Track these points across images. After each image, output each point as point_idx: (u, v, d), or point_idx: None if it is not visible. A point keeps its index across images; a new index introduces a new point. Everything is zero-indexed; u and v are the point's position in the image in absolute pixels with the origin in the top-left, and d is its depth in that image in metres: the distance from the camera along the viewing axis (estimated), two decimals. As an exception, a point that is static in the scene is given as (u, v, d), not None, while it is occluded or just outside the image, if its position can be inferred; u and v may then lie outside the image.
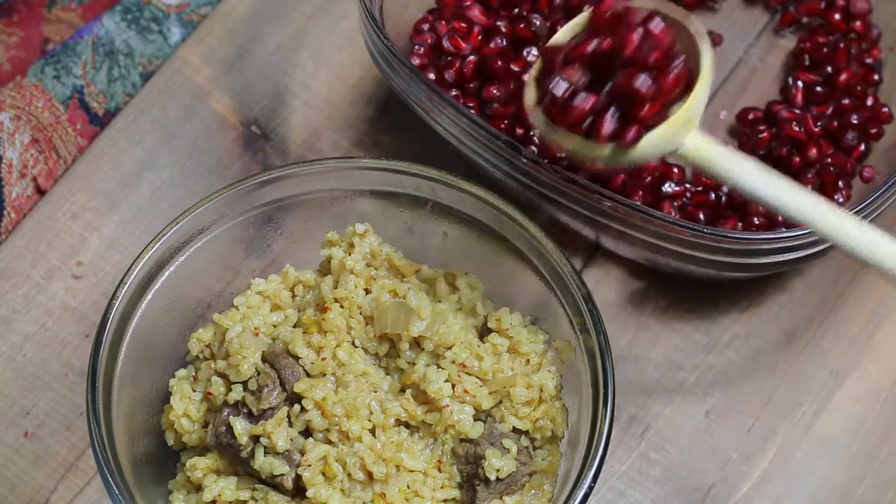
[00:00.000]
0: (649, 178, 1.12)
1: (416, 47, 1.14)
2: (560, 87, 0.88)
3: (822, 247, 1.02)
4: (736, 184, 0.87)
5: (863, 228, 0.83)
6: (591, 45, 0.87)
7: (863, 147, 1.13)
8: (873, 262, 0.83)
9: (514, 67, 1.13)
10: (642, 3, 0.89)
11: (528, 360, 0.96)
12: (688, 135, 0.87)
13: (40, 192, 1.17)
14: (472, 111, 1.09)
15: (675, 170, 1.13)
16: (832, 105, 1.14)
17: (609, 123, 0.86)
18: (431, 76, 1.13)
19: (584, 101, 0.87)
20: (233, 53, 1.22)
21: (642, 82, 0.85)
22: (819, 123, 1.11)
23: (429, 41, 1.15)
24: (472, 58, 1.13)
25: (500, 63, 1.12)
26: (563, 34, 0.92)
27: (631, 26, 0.86)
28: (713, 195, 1.11)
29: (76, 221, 1.15)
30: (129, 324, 0.96)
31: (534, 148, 1.10)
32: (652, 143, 0.87)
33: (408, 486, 0.93)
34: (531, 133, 1.11)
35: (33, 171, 1.16)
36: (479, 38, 1.14)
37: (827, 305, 1.13)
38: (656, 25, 0.87)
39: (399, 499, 0.92)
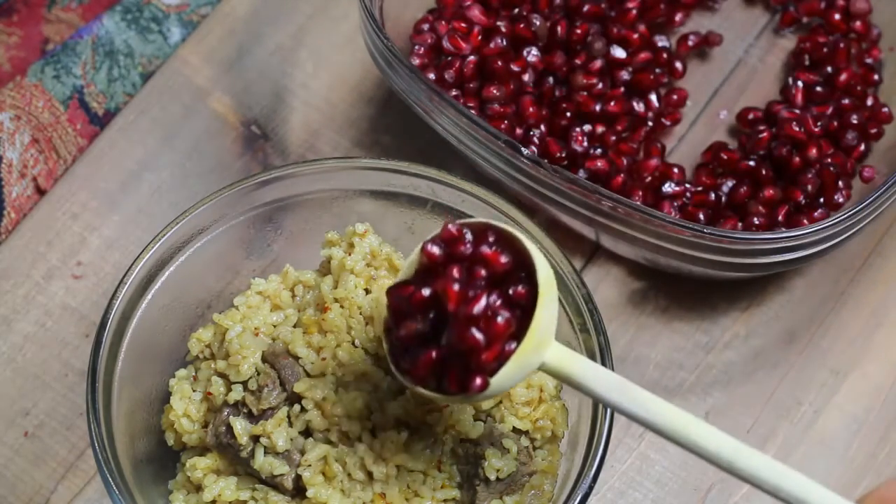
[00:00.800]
0: (649, 178, 1.13)
1: (416, 47, 1.14)
2: (402, 343, 0.82)
3: (822, 247, 1.02)
4: (600, 397, 0.82)
5: (729, 442, 0.79)
6: (425, 293, 0.81)
7: (863, 147, 1.13)
8: (738, 473, 0.80)
9: (514, 67, 1.13)
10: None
11: (528, 360, 0.96)
12: (545, 353, 0.82)
13: (40, 192, 1.17)
14: (472, 111, 1.09)
15: (676, 170, 1.13)
16: (832, 105, 1.14)
17: (455, 375, 0.80)
18: (431, 76, 1.13)
19: (425, 357, 0.81)
20: (233, 53, 1.22)
21: (472, 333, 0.79)
22: (819, 123, 1.11)
23: (429, 41, 1.14)
24: (472, 58, 1.13)
25: (500, 63, 1.12)
26: (408, 268, 0.86)
27: (450, 276, 0.80)
28: (713, 195, 1.11)
29: (76, 221, 1.15)
30: (129, 324, 0.96)
31: (534, 148, 1.10)
32: (506, 377, 0.81)
33: (408, 486, 0.92)
34: (531, 133, 1.11)
35: (33, 171, 1.16)
36: (479, 38, 1.14)
37: (827, 305, 1.13)
38: (486, 249, 0.81)
39: (399, 499, 0.92)
